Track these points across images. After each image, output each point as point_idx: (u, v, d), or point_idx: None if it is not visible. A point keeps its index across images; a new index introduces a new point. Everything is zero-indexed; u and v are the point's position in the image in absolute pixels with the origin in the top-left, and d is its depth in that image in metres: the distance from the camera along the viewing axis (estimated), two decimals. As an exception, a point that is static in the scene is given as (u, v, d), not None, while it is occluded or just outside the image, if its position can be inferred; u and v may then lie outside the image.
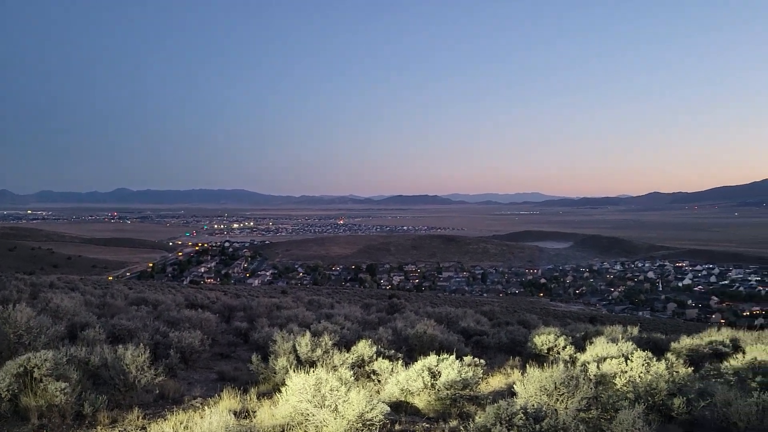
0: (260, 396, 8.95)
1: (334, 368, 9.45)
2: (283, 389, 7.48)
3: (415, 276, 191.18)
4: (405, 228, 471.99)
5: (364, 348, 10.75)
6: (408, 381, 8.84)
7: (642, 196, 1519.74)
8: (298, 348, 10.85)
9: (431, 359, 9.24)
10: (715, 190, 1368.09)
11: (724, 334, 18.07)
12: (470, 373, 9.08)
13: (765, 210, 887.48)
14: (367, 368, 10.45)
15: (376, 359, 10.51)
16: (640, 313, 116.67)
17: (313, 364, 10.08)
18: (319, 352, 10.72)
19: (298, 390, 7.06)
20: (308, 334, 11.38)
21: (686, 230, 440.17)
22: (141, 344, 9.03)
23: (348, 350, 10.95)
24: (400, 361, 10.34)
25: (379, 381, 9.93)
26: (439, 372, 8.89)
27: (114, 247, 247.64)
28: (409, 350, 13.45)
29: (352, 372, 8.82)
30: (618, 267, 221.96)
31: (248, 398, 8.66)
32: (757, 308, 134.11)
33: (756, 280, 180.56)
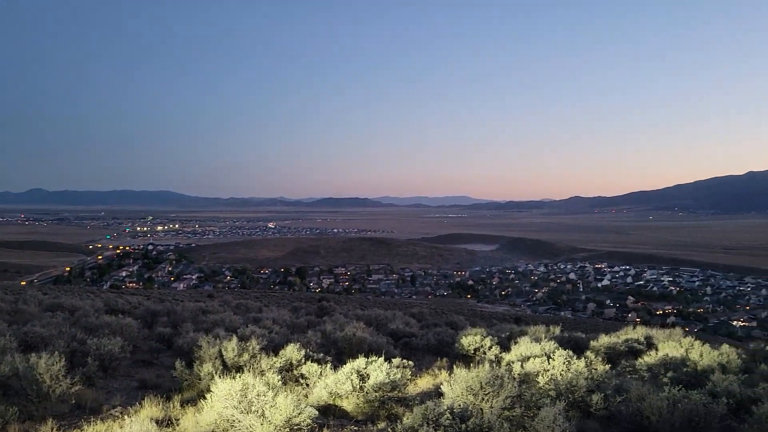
0: (184, 403, 8.70)
1: (262, 373, 9.29)
2: (208, 395, 7.30)
3: (345, 279, 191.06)
4: (335, 230, 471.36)
5: (292, 352, 10.63)
6: (337, 384, 8.81)
7: (564, 200, 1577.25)
8: (224, 353, 10.62)
9: (360, 362, 9.25)
10: (631, 195, 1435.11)
11: (639, 332, 18.99)
12: (398, 375, 9.14)
13: (676, 214, 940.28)
14: (295, 372, 10.34)
15: (305, 363, 10.42)
16: (563, 313, 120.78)
17: (240, 369, 9.89)
18: (246, 356, 10.53)
19: (223, 396, 6.91)
20: (235, 338, 11.16)
21: (605, 233, 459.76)
22: (56, 352, 8.60)
23: (276, 354, 10.81)
24: (328, 365, 10.28)
25: (307, 385, 9.85)
26: (367, 374, 8.90)
27: (29, 251, 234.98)
28: (338, 353, 13.40)
29: (280, 376, 8.70)
30: (542, 269, 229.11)
31: (171, 406, 8.40)
32: (669, 307, 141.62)
33: (668, 281, 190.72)
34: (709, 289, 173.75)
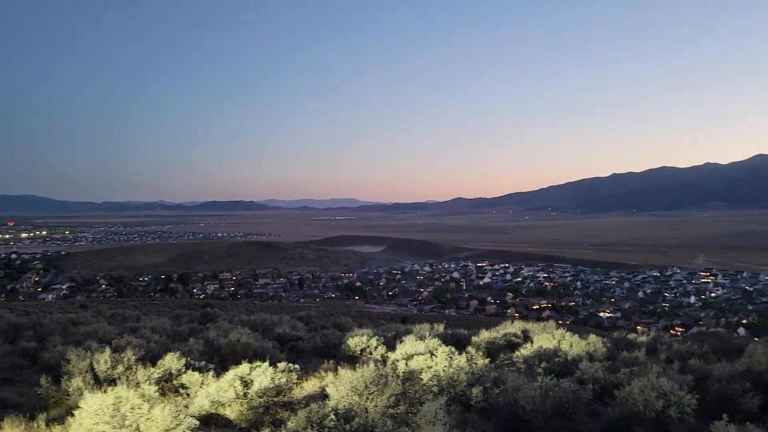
0: (50, 422, 8.06)
1: (138, 385, 8.82)
2: (76, 412, 6.82)
3: (231, 284, 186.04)
4: (220, 235, 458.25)
5: (171, 361, 10.18)
6: (219, 392, 8.55)
7: (447, 202, 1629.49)
8: (96, 366, 9.98)
9: (243, 368, 9.04)
10: (510, 196, 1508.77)
11: (516, 327, 19.92)
12: (284, 380, 9.03)
13: (550, 214, 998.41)
14: (175, 382, 9.91)
15: (185, 372, 10.02)
16: (447, 311, 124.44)
17: (113, 382, 9.33)
18: (120, 368, 9.96)
19: (93, 411, 6.48)
20: (108, 350, 10.52)
21: (486, 233, 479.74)
22: None
23: (154, 365, 10.31)
24: (211, 372, 9.96)
25: (188, 395, 9.47)
26: (251, 380, 8.72)
27: None
28: (222, 360, 13.01)
29: (157, 387, 8.32)
30: (427, 268, 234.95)
31: (35, 425, 7.76)
32: (545, 301, 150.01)
33: (543, 277, 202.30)
34: (579, 283, 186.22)
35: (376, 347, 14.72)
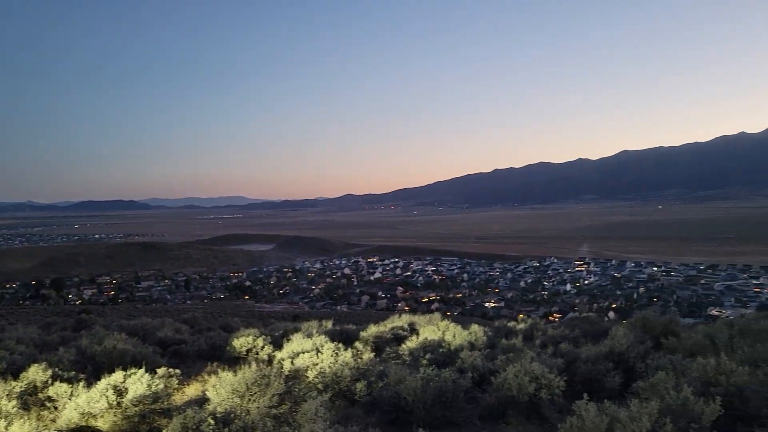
0: None
1: (-4, 401, 8.13)
2: None
3: (111, 288, 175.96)
4: (97, 236, 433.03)
5: (36, 373, 9.47)
6: (90, 403, 8.05)
7: (337, 198, 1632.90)
8: (-54, 383, 9.09)
9: (117, 376, 8.57)
10: (398, 192, 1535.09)
11: (404, 320, 20.32)
12: (162, 386, 8.66)
13: (437, 209, 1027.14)
14: (41, 395, 9.22)
15: (53, 384, 9.35)
16: (339, 307, 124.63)
17: (-32, 400, 8.53)
18: (-24, 385, 9.12)
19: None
20: (-38, 365, 9.62)
21: (376, 228, 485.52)
22: None
23: (17, 378, 9.54)
24: (82, 383, 9.35)
25: (56, 408, 8.85)
26: (126, 389, 8.28)
27: None
28: (96, 369, 12.26)
29: (19, 402, 7.71)
30: (318, 265, 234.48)
31: None
32: (433, 294, 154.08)
33: (432, 270, 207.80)
34: (465, 275, 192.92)
35: (262, 347, 14.50)
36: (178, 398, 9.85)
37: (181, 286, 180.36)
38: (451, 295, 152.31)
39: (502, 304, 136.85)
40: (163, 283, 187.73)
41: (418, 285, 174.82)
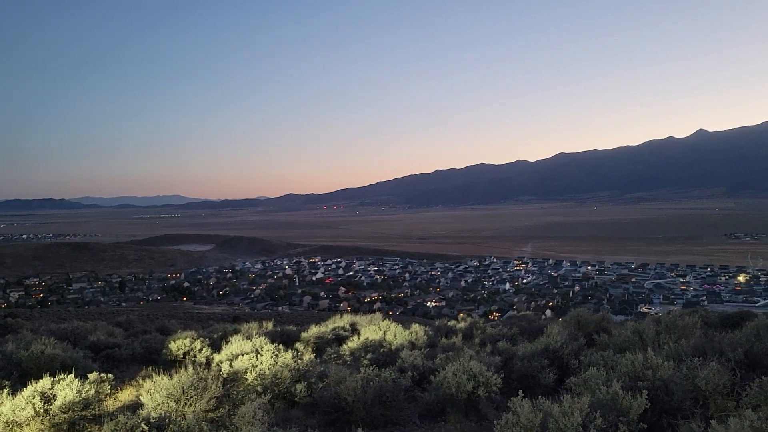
0: None
1: None
2: None
3: (39, 290, 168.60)
4: (25, 236, 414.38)
5: (-46, 382, 8.98)
6: (15, 411, 7.68)
7: (279, 198, 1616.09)
8: None
9: (45, 382, 8.21)
10: (341, 192, 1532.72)
11: (345, 320, 20.31)
12: (93, 391, 8.35)
13: (379, 208, 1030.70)
14: (-40, 406, 8.75)
15: (-27, 393, 8.88)
16: (281, 308, 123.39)
17: None
18: None
19: None
20: None
21: (318, 228, 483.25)
22: None
23: (-65, 387, 9.02)
24: (6, 390, 8.93)
25: (-22, 417, 8.41)
26: (54, 395, 7.95)
27: None
28: (23, 375, 11.72)
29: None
30: (259, 266, 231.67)
31: None
32: (375, 294, 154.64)
33: (374, 270, 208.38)
34: (407, 275, 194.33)
35: (200, 349, 14.20)
36: (111, 404, 9.53)
37: (115, 287, 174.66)
38: (393, 295, 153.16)
39: (443, 303, 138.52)
40: (96, 284, 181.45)
41: (361, 285, 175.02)
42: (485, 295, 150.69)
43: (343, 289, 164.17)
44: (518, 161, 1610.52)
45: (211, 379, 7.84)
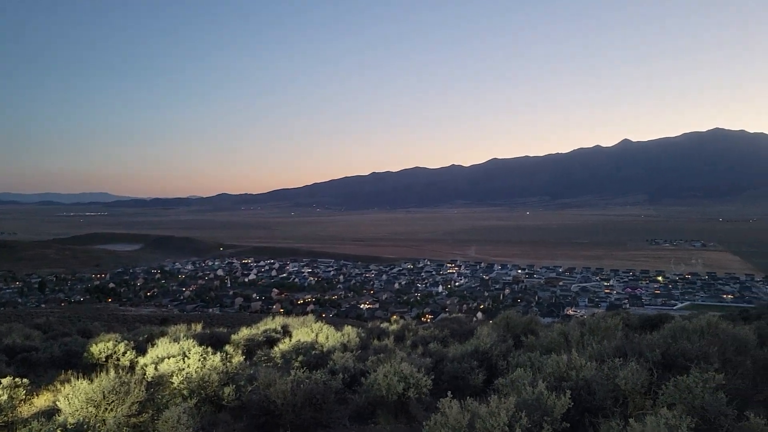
0: None
1: None
2: None
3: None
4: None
5: None
6: None
7: (211, 197, 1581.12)
8: None
9: (-50, 389, 7.74)
10: (275, 192, 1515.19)
11: (277, 322, 20.06)
12: (5, 397, 7.93)
13: (314, 210, 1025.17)
14: None
15: None
16: (211, 309, 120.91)
17: None
18: None
19: None
20: None
21: (252, 229, 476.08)
22: None
23: None
24: None
25: None
26: (-41, 403, 7.50)
27: None
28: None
29: None
30: (190, 266, 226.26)
31: None
32: (309, 296, 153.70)
33: (308, 272, 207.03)
34: (342, 277, 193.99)
35: (124, 353, 13.71)
36: (26, 410, 9.06)
37: (34, 288, 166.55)
38: (327, 297, 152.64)
39: (377, 305, 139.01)
40: (13, 285, 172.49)
41: (295, 287, 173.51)
42: (418, 298, 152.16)
43: (276, 290, 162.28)
44: (453, 166, 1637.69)
45: (134, 383, 7.57)
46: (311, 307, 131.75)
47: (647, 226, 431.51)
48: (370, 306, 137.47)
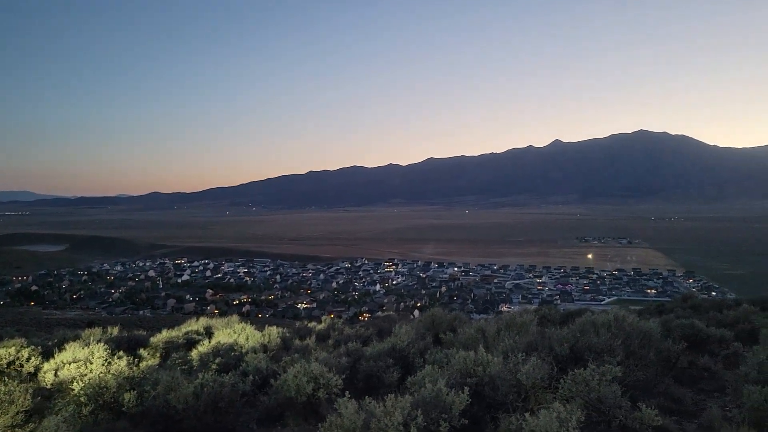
0: None
1: None
2: None
3: None
4: None
5: None
6: None
7: (143, 196, 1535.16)
8: None
9: None
10: (210, 191, 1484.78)
11: (200, 324, 19.48)
12: None
13: (250, 209, 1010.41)
14: None
15: None
16: (142, 312, 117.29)
17: None
18: None
19: None
20: None
21: (185, 229, 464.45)
22: None
23: None
24: None
25: None
26: None
27: None
28: None
29: None
30: (119, 268, 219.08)
31: None
32: (245, 296, 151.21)
33: (244, 272, 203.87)
34: (278, 277, 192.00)
35: (28, 358, 12.96)
36: None
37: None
38: (263, 297, 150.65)
39: (314, 305, 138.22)
40: None
41: (230, 287, 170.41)
42: (356, 297, 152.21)
43: (210, 291, 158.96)
44: (390, 165, 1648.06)
45: (20, 392, 7.11)
46: (247, 307, 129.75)
47: (577, 224, 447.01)
48: (308, 305, 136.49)
